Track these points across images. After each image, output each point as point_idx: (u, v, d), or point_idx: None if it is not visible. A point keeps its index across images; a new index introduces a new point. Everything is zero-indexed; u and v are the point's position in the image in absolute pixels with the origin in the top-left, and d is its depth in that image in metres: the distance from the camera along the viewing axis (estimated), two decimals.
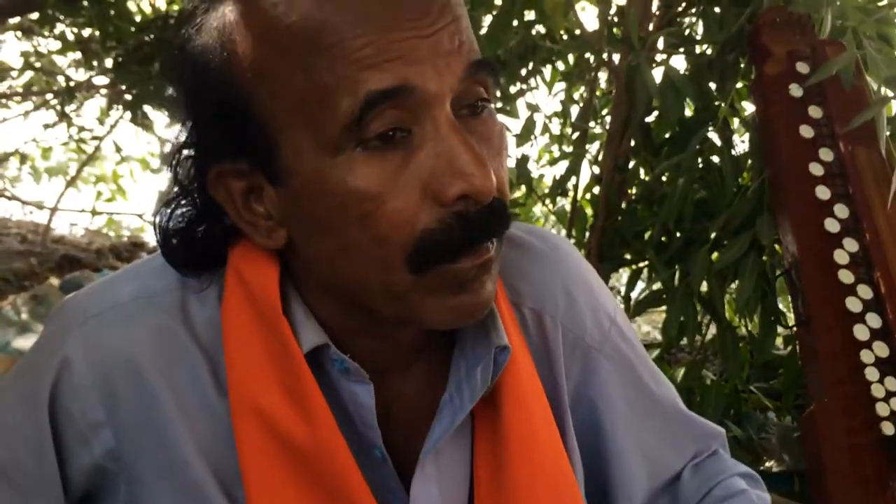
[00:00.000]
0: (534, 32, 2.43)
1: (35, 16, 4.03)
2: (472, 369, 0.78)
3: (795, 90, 1.77)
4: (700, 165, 2.02)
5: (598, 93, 2.58)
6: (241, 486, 0.73)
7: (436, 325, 0.72)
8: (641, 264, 2.20)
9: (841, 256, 1.60)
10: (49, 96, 4.89)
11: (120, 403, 0.75)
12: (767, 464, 1.85)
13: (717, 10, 2.08)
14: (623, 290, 2.24)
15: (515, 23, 2.35)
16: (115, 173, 5.77)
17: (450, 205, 0.66)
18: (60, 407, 0.76)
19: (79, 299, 0.80)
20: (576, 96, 2.76)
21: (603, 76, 2.62)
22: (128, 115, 3.99)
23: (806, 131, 1.73)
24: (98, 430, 0.75)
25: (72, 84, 4.55)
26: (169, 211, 0.79)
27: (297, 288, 0.76)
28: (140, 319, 0.76)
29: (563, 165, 2.48)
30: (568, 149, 2.58)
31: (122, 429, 0.75)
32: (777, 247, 1.87)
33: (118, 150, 5.47)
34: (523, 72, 2.57)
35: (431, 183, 0.66)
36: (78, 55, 4.24)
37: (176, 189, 0.78)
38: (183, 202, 0.78)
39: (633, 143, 2.22)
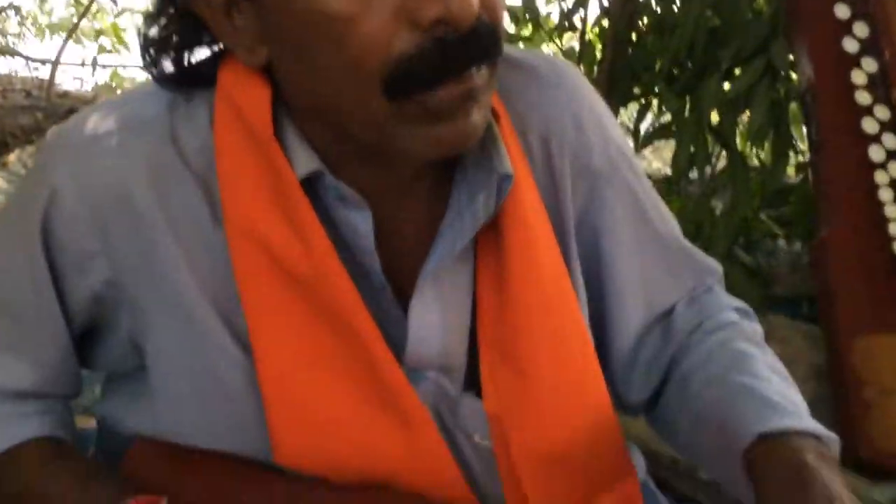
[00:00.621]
0: None
1: None
2: (473, 196, 0.76)
3: None
4: None
5: None
6: (242, 315, 0.73)
7: (418, 156, 0.70)
8: (651, 99, 2.15)
9: (858, 77, 1.55)
10: None
11: (113, 232, 0.74)
12: (776, 291, 1.87)
13: None
14: (632, 125, 2.20)
15: None
16: (114, 26, 5.64)
17: (427, 29, 0.63)
18: (53, 238, 0.75)
19: (65, 130, 0.78)
20: None
21: None
22: None
23: None
24: (93, 259, 0.75)
25: None
26: (155, 27, 0.76)
27: (289, 113, 0.74)
28: (129, 147, 0.74)
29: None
30: None
31: (118, 258, 0.74)
32: (791, 74, 1.82)
33: (114, 1, 5.32)
34: None
35: (406, 4, 0.63)
36: None
37: (160, 4, 0.75)
38: (168, 18, 0.75)
39: None
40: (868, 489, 1.29)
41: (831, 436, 0.75)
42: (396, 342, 0.76)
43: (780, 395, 0.77)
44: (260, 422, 0.74)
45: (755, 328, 0.90)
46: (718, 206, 1.96)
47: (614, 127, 0.90)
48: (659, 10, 2.18)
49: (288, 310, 0.73)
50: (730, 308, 0.91)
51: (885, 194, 1.47)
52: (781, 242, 2.01)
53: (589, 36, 2.42)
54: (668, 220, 0.92)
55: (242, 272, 0.73)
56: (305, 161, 0.72)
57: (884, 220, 1.46)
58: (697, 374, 0.84)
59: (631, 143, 2.10)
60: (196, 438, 0.77)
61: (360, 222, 0.74)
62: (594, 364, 0.81)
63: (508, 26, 2.61)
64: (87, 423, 0.96)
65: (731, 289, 0.96)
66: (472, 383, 0.79)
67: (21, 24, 5.64)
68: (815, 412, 0.78)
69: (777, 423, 0.73)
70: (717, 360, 0.84)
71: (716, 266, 0.95)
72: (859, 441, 1.36)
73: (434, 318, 0.78)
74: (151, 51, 0.75)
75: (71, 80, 5.42)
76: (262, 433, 0.74)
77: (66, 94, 4.95)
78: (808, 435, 0.73)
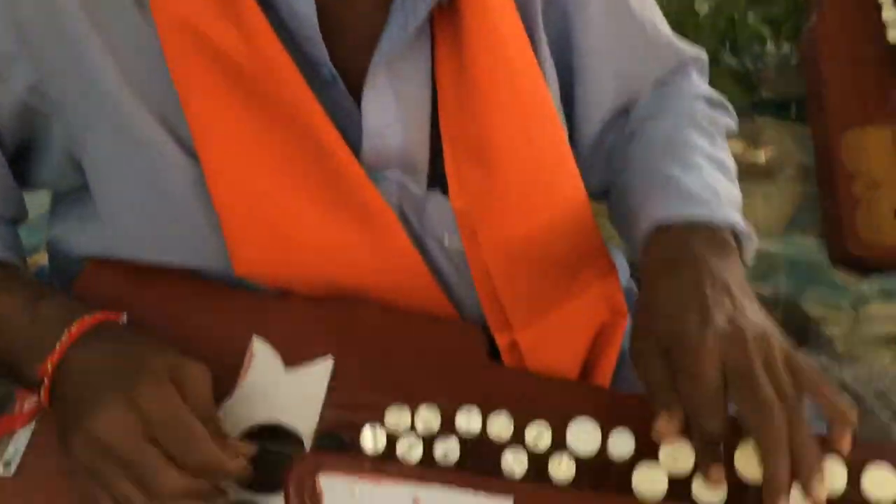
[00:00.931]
0: None
1: None
2: None
3: None
4: None
5: None
6: (184, 119, 0.68)
7: None
8: None
9: None
10: None
11: (29, 30, 0.67)
12: (764, 94, 1.82)
13: None
14: None
15: None
16: None
17: None
18: None
19: None
20: None
21: None
22: None
23: None
24: (12, 63, 0.69)
25: None
26: None
27: None
28: None
29: None
30: None
31: (41, 60, 0.68)
32: None
33: None
34: None
35: None
36: None
37: None
38: None
39: None
40: (857, 283, 1.29)
41: (747, 230, 0.72)
42: (352, 141, 0.70)
43: (702, 186, 0.74)
44: (216, 233, 0.70)
45: (716, 119, 0.85)
46: (703, 7, 1.89)
47: None
48: None
49: (231, 108, 0.67)
50: (699, 97, 0.86)
51: None
52: (769, 45, 1.95)
53: None
54: (646, 2, 0.85)
55: (178, 69, 0.67)
56: None
57: (877, 6, 1.39)
58: (634, 163, 0.81)
59: None
60: (149, 255, 0.73)
61: (302, 5, 0.67)
62: (566, 153, 0.76)
63: None
64: None
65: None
66: (438, 183, 0.75)
67: None
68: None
69: (679, 212, 0.70)
70: (654, 148, 0.80)
71: (698, 54, 0.90)
72: (848, 237, 1.33)
73: (390, 109, 0.72)
74: None
75: None
76: (220, 245, 0.70)
77: None
78: (712, 225, 0.70)
